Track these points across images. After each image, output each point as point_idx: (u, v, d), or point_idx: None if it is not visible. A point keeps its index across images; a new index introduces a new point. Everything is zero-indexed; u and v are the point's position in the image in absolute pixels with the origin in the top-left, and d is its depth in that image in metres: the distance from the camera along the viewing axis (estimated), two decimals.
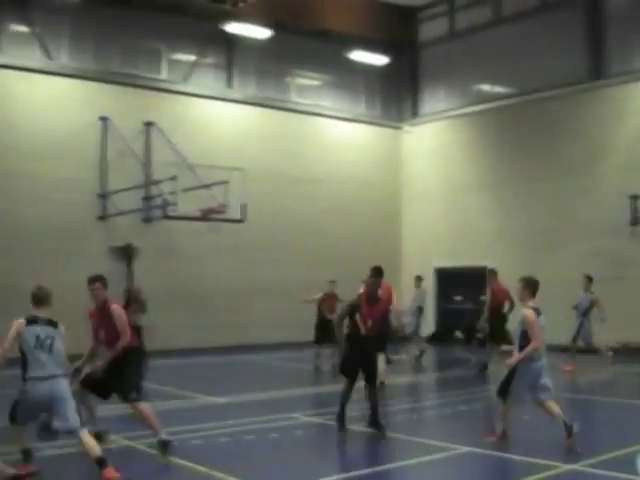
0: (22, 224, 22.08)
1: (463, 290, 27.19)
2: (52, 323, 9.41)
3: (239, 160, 23.75)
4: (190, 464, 10.02)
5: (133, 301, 20.83)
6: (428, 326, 28.33)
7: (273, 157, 27.06)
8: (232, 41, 26.41)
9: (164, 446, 10.48)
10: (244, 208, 21.37)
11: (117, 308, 11.04)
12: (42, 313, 9.47)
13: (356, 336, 12.16)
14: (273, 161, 26.98)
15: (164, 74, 25.57)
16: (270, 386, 17.00)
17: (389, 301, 15.54)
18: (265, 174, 26.19)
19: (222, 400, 15.25)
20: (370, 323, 12.14)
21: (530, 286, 11.14)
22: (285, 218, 27.06)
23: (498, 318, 18.75)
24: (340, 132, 29.40)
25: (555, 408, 10.79)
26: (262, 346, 23.55)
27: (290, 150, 27.63)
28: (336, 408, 12.32)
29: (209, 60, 26.61)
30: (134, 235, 23.85)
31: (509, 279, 25.07)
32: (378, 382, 12.87)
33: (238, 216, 21.42)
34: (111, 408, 13.89)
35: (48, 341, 9.20)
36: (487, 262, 26.26)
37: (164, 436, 10.61)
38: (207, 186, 21.19)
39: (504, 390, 10.84)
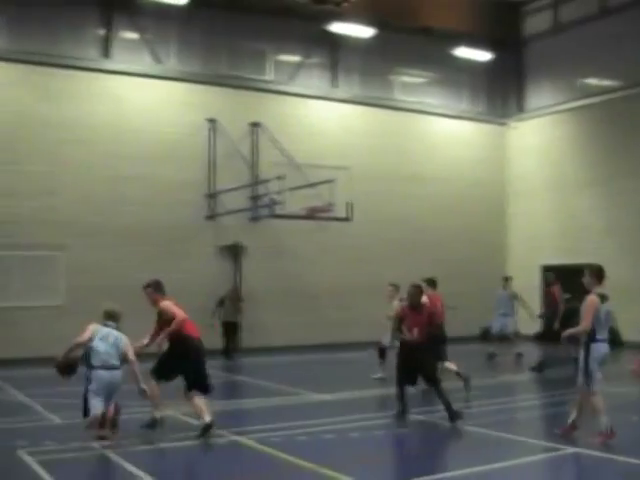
0: (134, 225, 22.74)
1: (571, 288, 26.74)
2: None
3: (344, 159, 23.99)
4: (297, 460, 10.22)
5: (228, 300, 21.38)
6: (534, 325, 28.08)
7: (378, 155, 27.17)
8: (336, 41, 26.60)
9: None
10: (350, 207, 21.49)
11: (164, 304, 12.01)
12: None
13: (404, 344, 13.06)
14: (378, 159, 27.10)
15: (270, 75, 25.95)
16: (375, 384, 17.11)
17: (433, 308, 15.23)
18: (370, 173, 26.34)
19: (328, 397, 15.45)
20: (416, 331, 12.88)
21: (595, 274, 11.55)
22: (390, 217, 27.11)
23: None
24: (445, 129, 29.34)
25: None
26: (367, 344, 23.62)
27: (395, 148, 27.71)
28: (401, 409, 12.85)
29: (314, 60, 26.87)
30: (242, 234, 24.26)
31: (620, 277, 24.94)
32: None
33: (344, 215, 21.55)
34: (222, 404, 14.29)
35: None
36: (597, 260, 25.81)
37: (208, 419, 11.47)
38: (313, 185, 21.37)
39: (588, 378, 11.07)
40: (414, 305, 13.16)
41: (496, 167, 30.23)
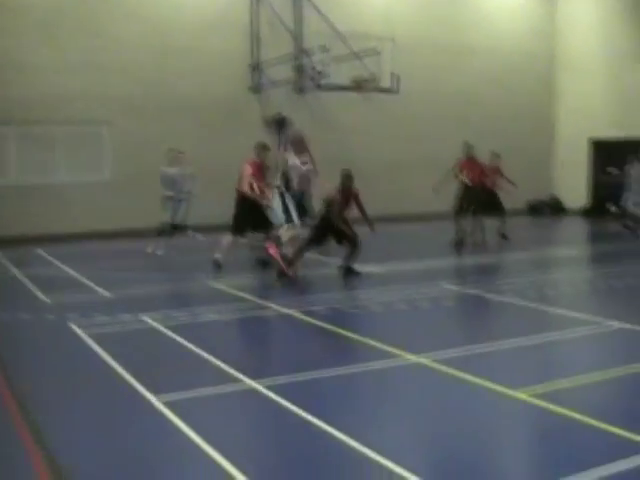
0: (179, 99, 22.56)
1: (622, 162, 26.28)
2: None
3: (390, 29, 23.34)
4: (344, 332, 10.29)
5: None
6: (581, 198, 27.84)
7: (425, 26, 26.46)
8: None
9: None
10: (396, 78, 21.10)
11: (244, 166, 15.31)
12: None
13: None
14: (425, 31, 26.40)
15: None
16: (424, 256, 17.10)
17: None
18: (417, 44, 25.70)
19: (379, 269, 15.45)
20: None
21: None
22: (437, 89, 26.63)
23: None
24: None
25: None
26: (417, 216, 23.54)
27: (442, 19, 26.93)
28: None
29: None
30: (286, 106, 23.98)
31: None
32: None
33: (391, 86, 21.18)
34: (266, 276, 14.40)
35: None
36: None
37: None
38: (358, 56, 20.99)
39: None
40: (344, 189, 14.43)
41: (546, 39, 29.34)
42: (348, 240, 14.31)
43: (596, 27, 28.10)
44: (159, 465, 6.22)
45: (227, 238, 15.22)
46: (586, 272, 16.25)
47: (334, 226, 14.19)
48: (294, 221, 15.25)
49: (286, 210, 15.26)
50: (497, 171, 19.71)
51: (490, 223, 19.38)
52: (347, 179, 14.49)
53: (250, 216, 14.98)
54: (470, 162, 18.93)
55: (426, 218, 23.25)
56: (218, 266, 15.13)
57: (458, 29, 27.25)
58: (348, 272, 14.40)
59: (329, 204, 14.28)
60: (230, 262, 15.56)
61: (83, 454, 6.40)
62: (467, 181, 18.74)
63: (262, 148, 15.38)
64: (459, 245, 18.50)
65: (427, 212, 23.55)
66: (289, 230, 15.11)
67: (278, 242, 14.75)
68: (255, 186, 14.83)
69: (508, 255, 17.18)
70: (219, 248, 15.27)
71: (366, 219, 14.53)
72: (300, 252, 14.25)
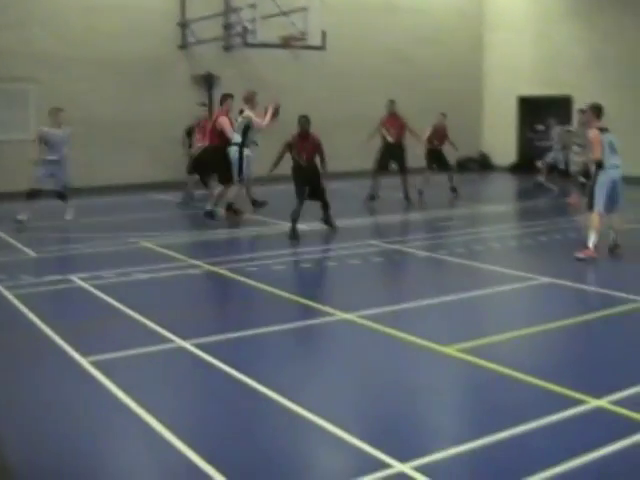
0: (107, 57, 22.13)
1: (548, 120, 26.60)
2: None
3: None
4: (272, 289, 10.30)
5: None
6: (509, 155, 28.15)
7: None
8: None
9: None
10: (324, 35, 21.01)
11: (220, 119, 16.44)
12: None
13: (297, 166, 14.93)
14: None
15: None
16: (350, 214, 17.16)
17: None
18: (346, 1, 25.62)
19: (305, 227, 15.48)
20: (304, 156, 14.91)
21: (594, 110, 12.44)
22: (366, 47, 26.54)
23: None
24: None
25: (616, 223, 12.51)
26: (345, 174, 23.53)
27: None
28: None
29: None
30: (215, 64, 23.76)
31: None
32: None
33: (319, 43, 21.08)
34: (197, 234, 14.36)
35: None
36: (576, 92, 25.69)
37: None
38: (286, 13, 20.85)
39: (591, 201, 12.27)
40: (303, 134, 15.02)
41: None
42: (320, 193, 14.98)
43: None
44: (86, 423, 6.19)
45: (233, 189, 16.24)
46: (514, 228, 16.48)
47: (306, 173, 14.86)
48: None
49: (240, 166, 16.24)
50: (444, 130, 20.60)
51: (438, 179, 19.78)
52: (306, 122, 15.18)
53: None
54: (392, 118, 19.43)
55: (356, 175, 23.25)
56: (212, 216, 15.96)
57: None
58: (326, 223, 15.22)
59: (288, 148, 14.93)
60: (159, 220, 15.49)
61: (6, 410, 6.39)
62: (389, 137, 19.10)
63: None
64: (371, 200, 19.16)
65: (356, 169, 23.59)
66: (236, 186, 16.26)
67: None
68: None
69: (436, 212, 17.33)
70: (213, 199, 16.06)
71: (323, 167, 15.24)
72: (296, 213, 14.43)
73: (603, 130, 12.22)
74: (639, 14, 24.31)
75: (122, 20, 22.34)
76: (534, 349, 8.16)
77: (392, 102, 19.73)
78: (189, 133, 20.65)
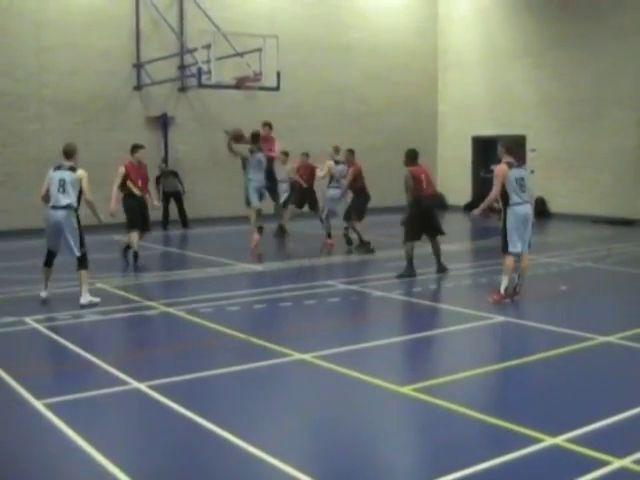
0: (60, 96, 22.07)
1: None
2: (72, 169, 12.13)
3: (273, 28, 23.36)
4: (227, 329, 10.26)
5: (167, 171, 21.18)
6: (464, 195, 28.39)
7: (308, 24, 26.49)
8: None
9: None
10: (279, 76, 21.13)
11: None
12: (67, 163, 12.24)
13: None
14: (308, 29, 26.44)
15: None
16: (304, 254, 17.18)
17: None
18: (299, 42, 25.76)
19: (260, 268, 15.49)
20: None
21: (504, 146, 12.12)
22: (321, 86, 26.74)
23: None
24: None
25: (524, 263, 12.15)
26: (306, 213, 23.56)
27: (325, 17, 27.02)
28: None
29: None
30: (170, 105, 23.81)
31: (552, 149, 25.18)
32: None
33: (274, 84, 21.20)
34: (153, 275, 14.28)
35: (62, 182, 11.92)
36: (528, 131, 26.10)
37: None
38: (241, 54, 20.96)
39: (504, 242, 11.85)
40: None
41: (429, 37, 29.74)
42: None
43: (476, 26, 28.62)
44: (39, 466, 6.10)
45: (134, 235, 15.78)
46: (469, 267, 16.59)
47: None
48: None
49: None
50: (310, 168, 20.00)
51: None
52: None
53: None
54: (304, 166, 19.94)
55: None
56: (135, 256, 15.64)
57: (341, 28, 27.35)
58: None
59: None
60: (114, 261, 15.41)
61: None
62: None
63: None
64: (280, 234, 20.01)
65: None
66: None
67: None
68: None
69: (388, 252, 17.36)
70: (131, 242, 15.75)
71: None
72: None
73: (512, 165, 11.80)
74: (586, 51, 24.75)
75: (77, 59, 22.31)
76: (491, 387, 8.20)
77: (306, 155, 20.18)
78: (159, 177, 21.06)
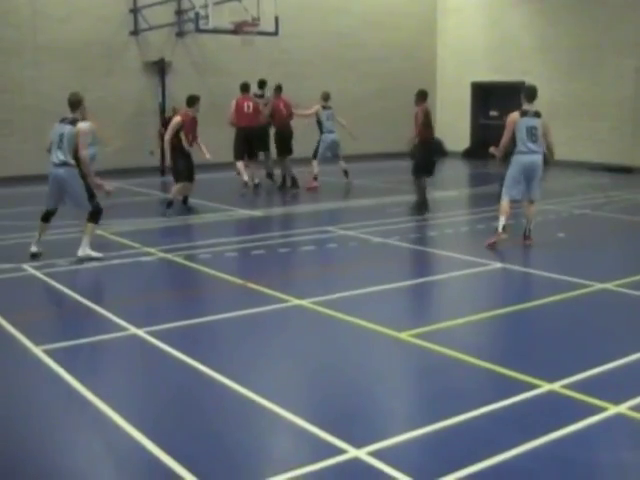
0: (56, 42, 21.84)
1: (501, 105, 26.71)
2: (73, 122, 11.13)
3: None
4: (225, 275, 10.28)
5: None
6: (463, 141, 28.27)
7: None
8: None
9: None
10: (277, 21, 20.91)
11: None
12: (71, 115, 11.27)
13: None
14: None
15: None
16: (307, 199, 17.16)
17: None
18: None
19: (259, 213, 15.46)
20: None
21: (525, 92, 12.17)
22: (320, 32, 26.49)
23: None
24: None
25: (528, 209, 12.34)
26: (301, 160, 23.49)
27: None
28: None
29: None
30: (167, 50, 23.57)
31: (553, 97, 24.99)
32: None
33: (272, 29, 20.98)
34: (153, 221, 14.27)
35: (61, 136, 11.01)
36: (528, 78, 25.88)
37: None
38: None
39: (501, 188, 12.28)
40: None
41: None
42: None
43: None
44: (40, 412, 6.13)
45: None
46: (466, 214, 16.56)
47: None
48: None
49: None
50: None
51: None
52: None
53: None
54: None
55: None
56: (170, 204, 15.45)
57: None
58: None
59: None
60: (111, 208, 15.40)
61: None
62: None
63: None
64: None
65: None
66: None
67: None
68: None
69: (388, 198, 17.33)
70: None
71: None
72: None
73: (527, 113, 11.87)
74: (583, 2, 24.48)
75: (72, 5, 22.02)
76: (488, 334, 8.22)
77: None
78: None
